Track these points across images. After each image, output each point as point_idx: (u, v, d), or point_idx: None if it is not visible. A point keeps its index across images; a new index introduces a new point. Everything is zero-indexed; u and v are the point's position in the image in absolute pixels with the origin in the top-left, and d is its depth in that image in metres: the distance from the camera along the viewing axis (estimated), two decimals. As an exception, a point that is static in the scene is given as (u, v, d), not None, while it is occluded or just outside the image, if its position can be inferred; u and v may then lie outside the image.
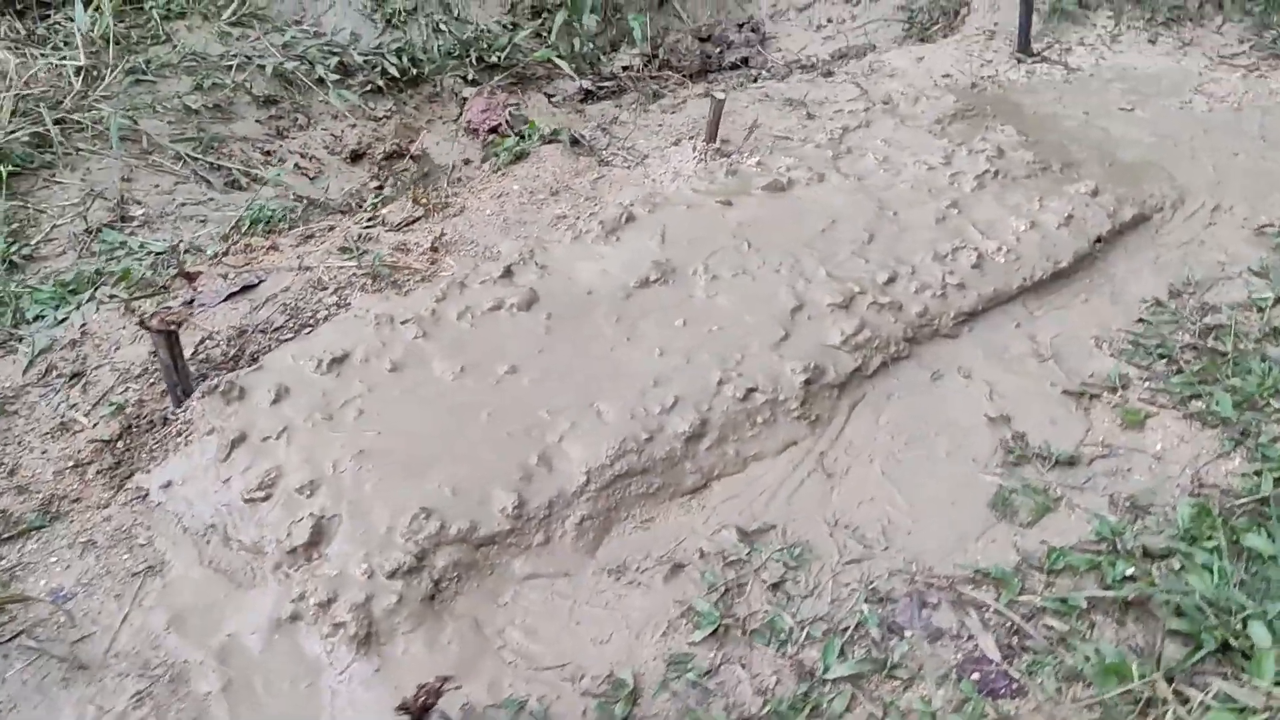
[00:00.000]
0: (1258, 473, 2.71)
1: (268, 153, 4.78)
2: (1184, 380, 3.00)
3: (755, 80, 5.49)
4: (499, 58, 5.61)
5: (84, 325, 3.34)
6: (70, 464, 2.88)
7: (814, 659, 2.36)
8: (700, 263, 3.31)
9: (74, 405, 3.05)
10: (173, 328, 2.87)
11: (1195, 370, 3.03)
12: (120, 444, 2.98)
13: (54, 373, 3.16)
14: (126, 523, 2.76)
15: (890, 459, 2.89)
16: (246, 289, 3.40)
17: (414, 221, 3.66)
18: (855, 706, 2.25)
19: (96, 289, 3.47)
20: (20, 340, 3.27)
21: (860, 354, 3.08)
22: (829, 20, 6.03)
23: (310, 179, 4.66)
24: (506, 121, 5.04)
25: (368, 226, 3.62)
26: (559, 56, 5.62)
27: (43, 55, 4.61)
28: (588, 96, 5.66)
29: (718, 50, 5.98)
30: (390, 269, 3.39)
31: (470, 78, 5.56)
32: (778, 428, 2.95)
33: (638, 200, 3.54)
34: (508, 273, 3.28)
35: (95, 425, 3.01)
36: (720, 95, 3.75)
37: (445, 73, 5.51)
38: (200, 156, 4.48)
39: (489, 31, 5.74)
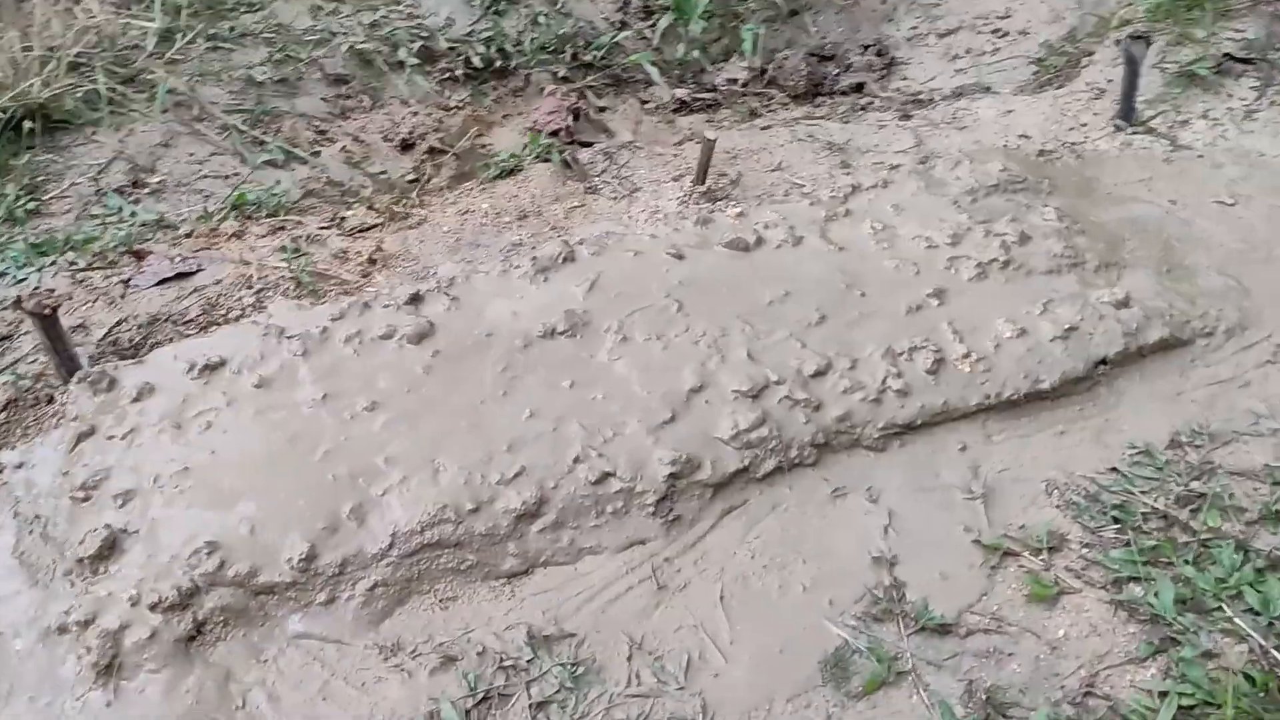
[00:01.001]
0: (1163, 694, 2.17)
1: (322, 132, 4.79)
2: (1128, 556, 2.46)
3: (862, 109, 5.02)
4: (595, 57, 5.40)
5: (35, 289, 3.41)
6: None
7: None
8: (618, 319, 3.00)
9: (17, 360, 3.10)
10: (48, 311, 2.86)
11: (1148, 546, 2.47)
12: (2, 414, 3.01)
13: (-16, 333, 3.24)
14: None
15: (739, 582, 2.52)
16: (182, 276, 3.38)
17: (370, 229, 3.52)
18: None
19: (63, 253, 3.54)
20: (-29, 294, 3.38)
21: (751, 453, 2.70)
22: (967, 51, 5.44)
23: (354, 164, 4.62)
24: (568, 128, 4.82)
25: (323, 228, 3.52)
26: (653, 62, 5.34)
27: (128, 14, 4.78)
28: (682, 107, 5.36)
29: (834, 72, 5.51)
30: (317, 276, 3.27)
31: (562, 75, 5.37)
32: (627, 521, 2.63)
33: (589, 240, 3.26)
34: (415, 299, 3.09)
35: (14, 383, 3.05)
36: (712, 136, 3.39)
37: (535, 68, 5.35)
38: (246, 130, 4.52)
39: (591, 28, 5.52)
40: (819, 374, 2.83)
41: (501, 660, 2.37)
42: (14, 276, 3.50)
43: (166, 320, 3.21)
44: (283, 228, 3.63)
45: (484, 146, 4.91)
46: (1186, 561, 2.42)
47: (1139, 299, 3.06)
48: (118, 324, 3.22)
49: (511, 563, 2.57)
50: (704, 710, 2.26)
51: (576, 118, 4.96)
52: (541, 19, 5.50)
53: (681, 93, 5.37)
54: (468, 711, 2.29)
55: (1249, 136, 3.82)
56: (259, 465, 2.69)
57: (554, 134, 4.86)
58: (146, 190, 4.08)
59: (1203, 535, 2.48)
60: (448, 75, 5.21)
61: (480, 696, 2.30)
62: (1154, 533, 2.50)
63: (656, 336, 2.94)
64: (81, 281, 3.42)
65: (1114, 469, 2.69)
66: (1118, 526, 2.54)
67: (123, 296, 3.32)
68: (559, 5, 5.59)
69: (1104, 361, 2.91)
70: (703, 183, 3.47)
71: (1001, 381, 2.84)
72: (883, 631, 2.38)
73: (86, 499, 2.68)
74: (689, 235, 3.25)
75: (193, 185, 4.13)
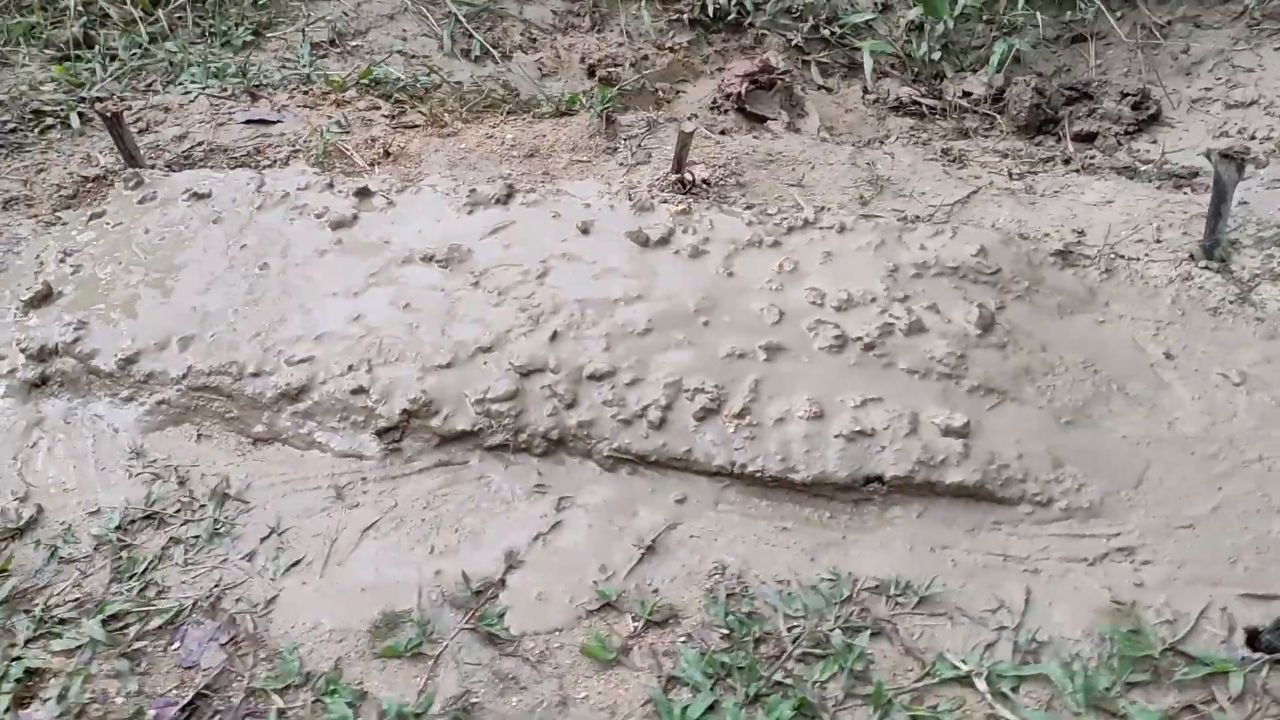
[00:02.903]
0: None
1: (532, 39, 5.22)
2: (696, 660, 2.33)
3: (1066, 162, 4.50)
4: (833, 33, 5.27)
5: (111, 96, 4.25)
6: (46, 179, 3.86)
7: None
8: (486, 267, 3.20)
9: (106, 147, 3.99)
10: (113, 114, 3.65)
11: (719, 663, 2.32)
12: (91, 184, 3.89)
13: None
14: (23, 233, 3.69)
15: (392, 522, 2.73)
16: (265, 122, 4.04)
17: (412, 127, 3.94)
18: None
19: (221, 79, 4.36)
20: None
21: (486, 421, 2.84)
22: (1239, 131, 4.61)
23: (542, 75, 5.02)
24: (740, 94, 4.83)
25: (372, 108, 3.99)
26: (888, 54, 5.11)
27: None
28: (899, 107, 5.11)
29: (1073, 113, 4.91)
30: (333, 152, 3.78)
31: (795, 43, 5.31)
32: (358, 436, 2.92)
33: (536, 191, 3.44)
34: (362, 192, 3.50)
35: (101, 164, 3.94)
36: (689, 128, 3.34)
37: (770, 29, 5.34)
38: (464, 20, 5.07)
39: (839, 2, 5.35)
40: (595, 377, 2.85)
41: (189, 495, 2.80)
42: (185, 87, 4.37)
43: (224, 151, 3.89)
44: (376, 106, 4.15)
45: (666, 92, 5.05)
46: (743, 693, 2.24)
47: (983, 436, 2.66)
48: (197, 144, 3.95)
49: (259, 429, 2.96)
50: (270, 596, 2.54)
51: (763, 86, 4.92)
52: (792, -21, 5.41)
53: (905, 92, 5.10)
54: (136, 520, 2.75)
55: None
56: (165, 280, 3.28)
57: (727, 96, 4.91)
58: (337, 50, 4.79)
59: (784, 681, 2.26)
60: (677, 17, 5.36)
61: (150, 512, 2.75)
62: (750, 656, 2.32)
63: (499, 292, 3.10)
64: (211, 103, 4.20)
65: (786, 581, 2.48)
66: (726, 632, 2.38)
67: (220, 124, 4.05)
68: (822, -33, 5.45)
69: (879, 479, 2.62)
70: (678, 172, 3.44)
71: (755, 454, 2.67)
72: (443, 616, 2.48)
73: (63, 259, 3.45)
74: (616, 215, 3.31)
75: (379, 55, 4.76)
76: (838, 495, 2.65)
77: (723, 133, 4.27)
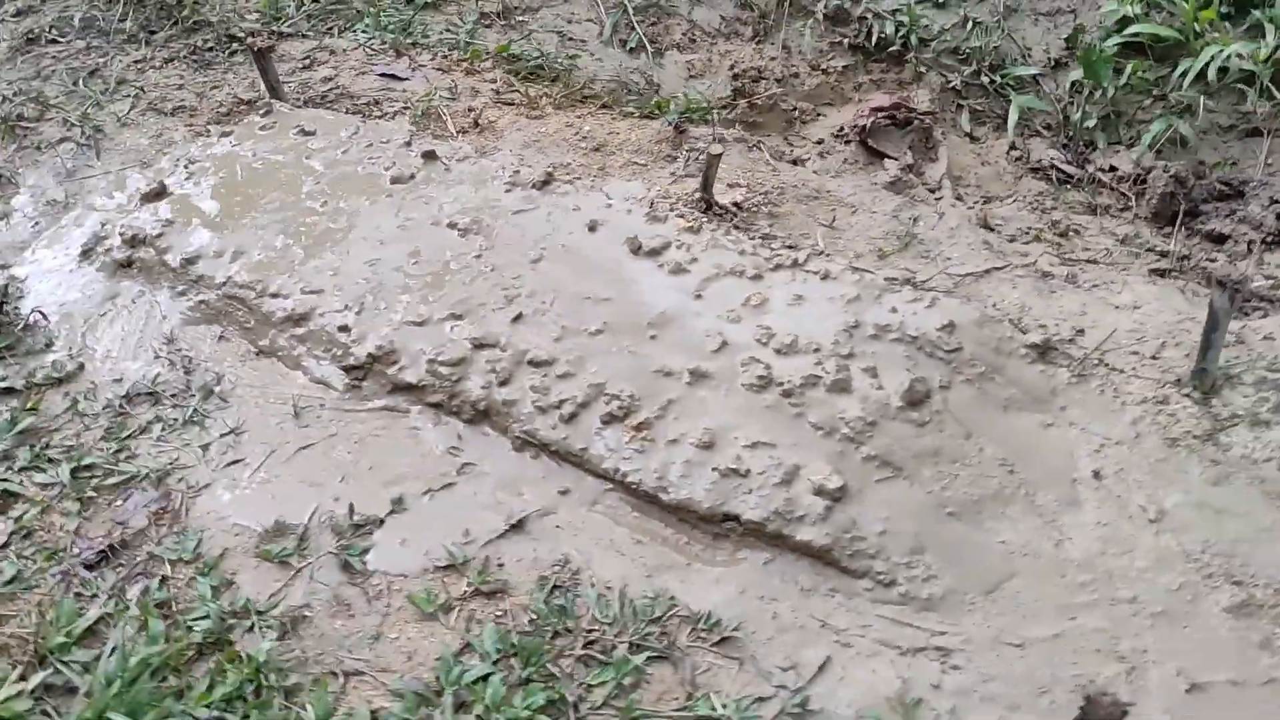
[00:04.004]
0: None
1: (692, 40, 5.40)
2: (495, 636, 2.54)
3: (1181, 259, 4.20)
4: (992, 81, 5.12)
5: (257, 32, 4.78)
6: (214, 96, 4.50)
7: None
8: (496, 240, 3.49)
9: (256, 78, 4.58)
10: (260, 48, 4.20)
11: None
12: (244, 106, 4.49)
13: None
14: (177, 138, 4.33)
15: (319, 450, 3.09)
16: (395, 77, 4.49)
17: (510, 104, 4.26)
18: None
19: (390, 33, 4.86)
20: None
21: (430, 379, 3.14)
22: None
23: (690, 76, 5.20)
24: (864, 127, 4.81)
25: (490, 81, 4.34)
26: (1041, 113, 4.93)
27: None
28: (1038, 169, 4.93)
29: (1214, 209, 4.55)
30: (435, 115, 4.17)
31: (952, 85, 5.20)
32: (328, 369, 3.29)
33: (576, 187, 3.69)
34: (429, 155, 3.87)
35: (259, 91, 4.54)
36: (717, 151, 3.45)
37: (930, 68, 5.25)
38: (631, 12, 5.32)
39: (1024, 52, 5.15)
40: (534, 363, 3.08)
41: (188, 384, 3.28)
42: (356, 35, 4.90)
43: (350, 97, 4.37)
44: (494, 80, 4.50)
45: (806, 114, 5.08)
46: (516, 675, 2.44)
47: (853, 505, 2.68)
48: (336, 87, 4.46)
49: (264, 343, 3.41)
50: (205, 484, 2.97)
51: (898, 124, 4.87)
52: (975, 23, 5.27)
53: (1048, 155, 4.89)
54: (140, 395, 3.26)
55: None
56: (246, 201, 3.80)
57: (855, 128, 4.90)
58: (502, 22, 5.17)
59: (555, 674, 2.43)
60: (839, 40, 5.36)
61: (152, 390, 3.25)
62: (540, 644, 2.49)
63: (493, 268, 3.38)
64: (366, 53, 4.70)
65: (612, 589, 2.63)
66: (534, 617, 2.57)
67: (360, 73, 4.55)
68: (1004, 16, 5.26)
69: (735, 519, 2.70)
70: (705, 192, 3.55)
71: (637, 467, 2.82)
72: (322, 538, 2.81)
73: (183, 165, 4.05)
74: (629, 220, 3.49)
75: (540, 32, 5.09)
76: (700, 524, 2.75)
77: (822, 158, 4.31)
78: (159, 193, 3.90)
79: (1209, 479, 2.70)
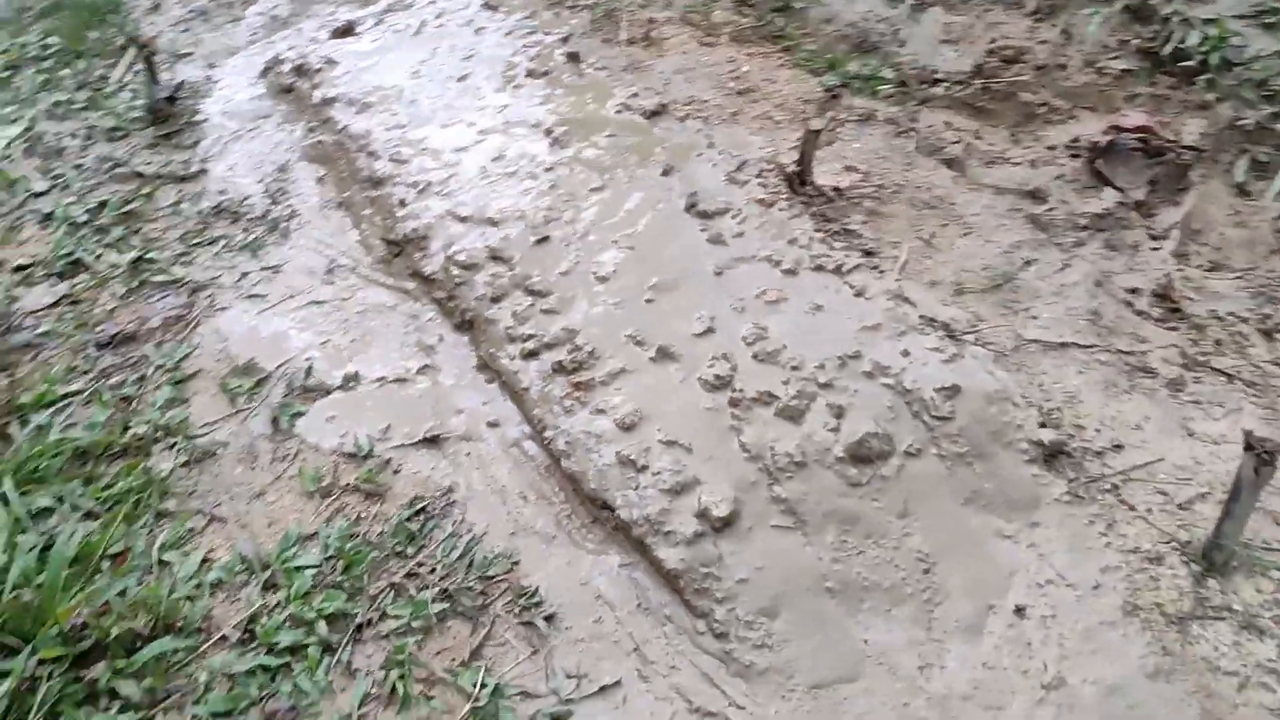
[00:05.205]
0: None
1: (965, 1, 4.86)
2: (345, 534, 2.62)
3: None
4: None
5: None
6: None
7: None
8: (581, 167, 3.42)
9: None
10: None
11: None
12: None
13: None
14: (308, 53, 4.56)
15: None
16: None
17: (692, 25, 4.06)
18: None
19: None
20: None
21: (455, 287, 3.19)
22: None
23: (940, 41, 4.71)
24: (1102, 144, 4.16)
25: (688, 14, 4.17)
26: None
27: None
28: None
29: None
30: (616, 17, 4.09)
31: (1245, 123, 4.34)
32: (398, 271, 3.42)
33: (682, 127, 3.51)
34: (574, 58, 3.81)
35: None
36: (817, 125, 3.10)
37: (1231, 98, 4.40)
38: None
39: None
40: (530, 291, 3.02)
41: (266, 213, 3.53)
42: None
43: None
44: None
45: (1057, 112, 4.47)
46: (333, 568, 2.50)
47: (732, 540, 2.42)
48: None
49: (347, 195, 3.57)
50: (221, 308, 3.23)
51: (1148, 152, 4.18)
52: (1306, 62, 4.32)
53: (1295, 210, 4.03)
54: (227, 209, 3.55)
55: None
56: (401, 58, 3.96)
57: (1092, 144, 4.24)
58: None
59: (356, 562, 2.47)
60: (1131, 38, 4.59)
61: (237, 211, 3.54)
62: (359, 554, 2.52)
63: (554, 185, 3.31)
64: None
65: (471, 532, 2.60)
66: (384, 531, 2.60)
67: None
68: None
69: (610, 509, 2.54)
70: (800, 168, 3.22)
71: (555, 424, 2.72)
72: (278, 388, 2.98)
73: (374, 15, 4.26)
74: (707, 176, 3.28)
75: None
76: (587, 501, 2.62)
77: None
78: (345, 30, 4.12)
79: (1145, 668, 2.17)
